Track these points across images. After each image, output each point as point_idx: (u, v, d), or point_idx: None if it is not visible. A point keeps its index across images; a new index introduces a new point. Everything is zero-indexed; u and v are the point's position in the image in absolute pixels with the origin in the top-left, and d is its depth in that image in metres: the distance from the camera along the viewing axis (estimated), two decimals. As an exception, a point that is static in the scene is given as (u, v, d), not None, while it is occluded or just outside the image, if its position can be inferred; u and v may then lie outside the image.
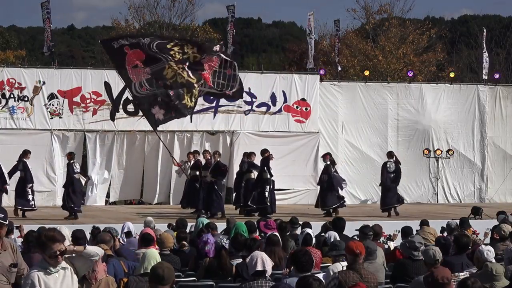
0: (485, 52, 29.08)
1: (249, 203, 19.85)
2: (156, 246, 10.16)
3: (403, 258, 9.56)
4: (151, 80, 16.80)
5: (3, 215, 6.71)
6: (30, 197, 19.69)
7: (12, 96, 23.40)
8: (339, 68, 29.66)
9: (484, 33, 30.10)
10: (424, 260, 8.32)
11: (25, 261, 10.12)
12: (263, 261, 7.50)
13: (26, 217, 18.97)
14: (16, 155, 22.91)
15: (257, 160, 20.52)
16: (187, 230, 12.59)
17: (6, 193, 19.76)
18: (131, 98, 18.54)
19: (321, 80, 26.31)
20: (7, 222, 6.74)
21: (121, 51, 16.65)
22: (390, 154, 21.52)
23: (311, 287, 5.71)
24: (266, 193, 19.73)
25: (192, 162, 21.93)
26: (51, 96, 23.67)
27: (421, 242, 9.30)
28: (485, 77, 28.36)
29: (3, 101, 23.30)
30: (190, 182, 21.25)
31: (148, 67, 16.70)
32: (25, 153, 20.12)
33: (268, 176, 19.86)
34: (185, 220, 13.17)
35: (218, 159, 20.12)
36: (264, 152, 20.33)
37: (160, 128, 24.33)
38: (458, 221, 13.72)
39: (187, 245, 10.82)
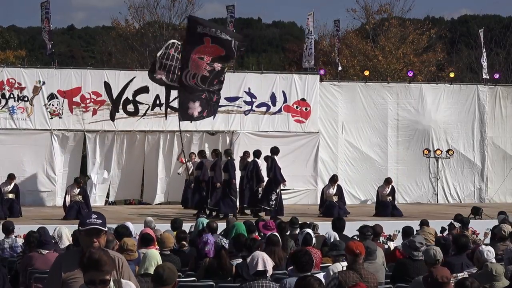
0: (484, 52, 29.13)
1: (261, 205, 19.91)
2: (156, 246, 10.17)
3: (404, 257, 9.56)
4: (206, 79, 17.63)
5: (101, 221, 5.41)
6: None
7: (12, 96, 23.39)
8: (339, 67, 29.67)
9: (482, 33, 30.11)
10: (425, 260, 8.32)
11: (25, 261, 10.17)
12: (264, 261, 7.50)
13: None
14: (16, 155, 23.00)
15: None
16: (187, 231, 12.58)
17: None
18: (174, 83, 18.77)
19: (321, 80, 26.29)
20: (106, 229, 5.46)
21: (200, 38, 17.64)
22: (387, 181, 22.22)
23: (311, 287, 5.71)
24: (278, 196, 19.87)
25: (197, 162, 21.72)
26: (51, 96, 23.66)
27: (422, 242, 9.29)
28: (486, 76, 28.31)
29: (3, 101, 23.28)
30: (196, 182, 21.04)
31: (214, 64, 17.49)
32: None
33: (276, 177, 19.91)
34: (180, 220, 13.18)
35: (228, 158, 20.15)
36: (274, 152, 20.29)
37: (160, 128, 24.45)
38: (453, 221, 13.66)
39: (186, 245, 10.82)
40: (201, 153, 21.52)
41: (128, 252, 8.43)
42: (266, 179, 20.14)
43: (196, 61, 17.90)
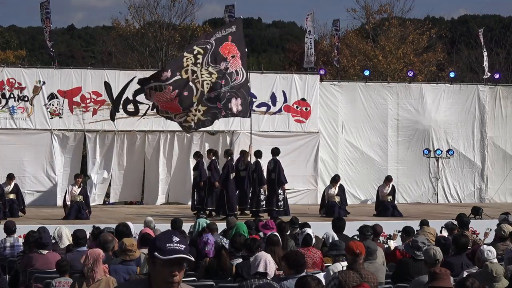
0: (485, 51, 29.13)
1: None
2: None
3: (407, 257, 9.57)
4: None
5: (185, 246, 4.03)
6: None
7: (12, 96, 23.40)
8: (338, 63, 29.66)
9: (482, 33, 30.10)
10: (425, 259, 8.32)
11: (25, 261, 10.17)
12: (266, 263, 7.48)
13: None
14: (16, 155, 23.01)
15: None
16: (186, 231, 12.58)
17: None
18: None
19: (321, 80, 26.29)
20: (192, 258, 4.01)
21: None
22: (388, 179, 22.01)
23: (309, 286, 5.72)
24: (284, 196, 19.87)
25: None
26: (51, 96, 23.66)
27: (424, 242, 9.29)
28: (488, 75, 28.27)
29: (3, 101, 23.29)
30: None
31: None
32: None
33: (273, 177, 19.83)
34: (180, 220, 13.18)
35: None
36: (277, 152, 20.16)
37: (160, 128, 24.44)
38: (454, 221, 13.65)
39: (186, 245, 10.81)
40: (197, 154, 21.47)
41: (127, 253, 8.39)
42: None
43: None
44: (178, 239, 4.02)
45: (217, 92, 17.54)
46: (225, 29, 17.91)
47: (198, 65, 17.33)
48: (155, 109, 18.71)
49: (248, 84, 18.10)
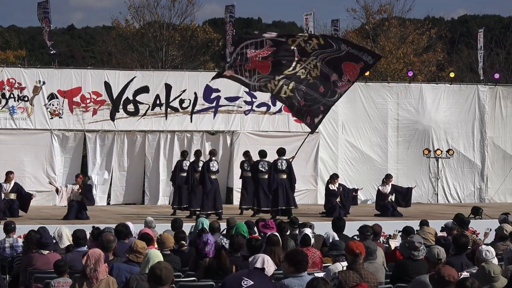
0: (481, 54, 29.15)
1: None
2: (155, 246, 10.16)
3: (404, 258, 9.56)
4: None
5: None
6: None
7: (12, 96, 23.41)
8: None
9: (480, 33, 30.10)
10: (428, 258, 8.30)
11: (25, 261, 10.18)
12: (264, 260, 7.50)
13: None
14: (16, 155, 23.01)
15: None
16: (187, 231, 12.56)
17: None
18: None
19: (321, 80, 26.25)
20: None
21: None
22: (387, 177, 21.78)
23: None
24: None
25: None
26: (51, 96, 23.68)
27: (421, 242, 9.29)
28: (484, 77, 28.31)
29: (3, 101, 23.30)
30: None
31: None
32: None
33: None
34: (181, 220, 13.17)
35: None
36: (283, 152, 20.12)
37: (160, 127, 24.44)
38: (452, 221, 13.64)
39: (186, 245, 10.82)
40: (183, 154, 21.42)
41: (136, 254, 8.37)
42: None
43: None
44: (252, 283, 2.93)
45: (312, 94, 16.26)
46: (364, 53, 16.12)
47: (310, 48, 15.74)
48: (228, 71, 15.92)
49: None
